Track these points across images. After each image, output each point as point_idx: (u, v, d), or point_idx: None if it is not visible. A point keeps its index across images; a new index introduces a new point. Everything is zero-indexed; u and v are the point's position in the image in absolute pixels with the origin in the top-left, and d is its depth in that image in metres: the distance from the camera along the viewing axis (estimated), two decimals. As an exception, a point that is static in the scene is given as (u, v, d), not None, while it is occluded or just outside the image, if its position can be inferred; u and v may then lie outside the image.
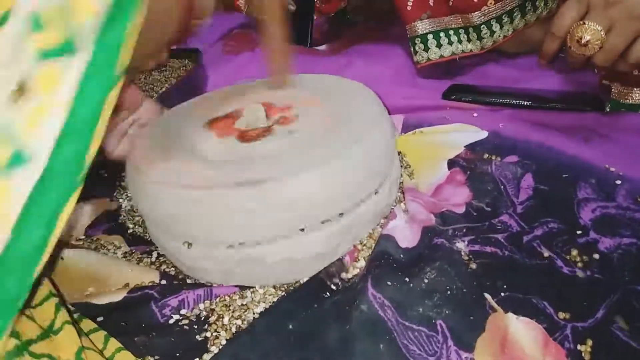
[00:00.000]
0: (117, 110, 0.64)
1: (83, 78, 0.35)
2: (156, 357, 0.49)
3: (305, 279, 0.56)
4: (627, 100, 0.79)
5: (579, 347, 0.46)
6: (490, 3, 0.93)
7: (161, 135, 0.63)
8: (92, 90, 0.36)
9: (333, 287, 0.54)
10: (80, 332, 0.49)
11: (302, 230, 0.54)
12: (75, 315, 0.53)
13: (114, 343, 0.50)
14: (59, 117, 0.35)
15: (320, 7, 1.27)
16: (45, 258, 0.37)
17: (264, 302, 0.54)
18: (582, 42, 0.63)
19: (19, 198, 0.34)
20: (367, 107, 0.63)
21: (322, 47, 1.16)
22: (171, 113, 0.70)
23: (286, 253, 0.54)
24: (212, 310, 0.54)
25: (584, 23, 0.63)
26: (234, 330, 0.52)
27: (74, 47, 0.34)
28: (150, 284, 0.58)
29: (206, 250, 0.55)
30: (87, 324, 0.52)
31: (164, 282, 0.59)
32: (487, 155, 0.69)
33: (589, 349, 0.46)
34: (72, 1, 0.34)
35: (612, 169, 0.63)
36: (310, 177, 0.52)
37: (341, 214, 0.55)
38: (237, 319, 0.53)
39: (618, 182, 0.61)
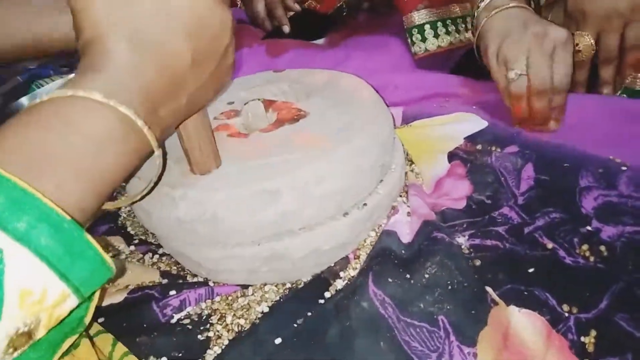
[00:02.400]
0: None
1: None
2: (158, 358, 0.49)
3: (309, 278, 0.56)
4: (635, 87, 0.79)
5: (582, 338, 0.46)
6: None
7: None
8: None
9: (336, 285, 0.54)
10: (94, 346, 0.49)
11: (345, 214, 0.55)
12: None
13: (120, 347, 0.49)
14: None
15: (315, 6, 1.26)
16: None
17: (266, 302, 0.54)
18: (576, 48, 0.77)
19: None
20: (364, 98, 0.63)
21: (321, 41, 1.15)
22: None
23: (312, 246, 0.54)
24: (215, 309, 0.54)
25: (573, 33, 0.78)
26: (236, 329, 0.52)
27: None
28: (150, 284, 0.58)
29: (231, 251, 0.54)
30: (94, 327, 0.52)
31: (164, 281, 0.58)
32: (487, 146, 0.68)
33: (592, 340, 0.46)
34: None
35: (616, 159, 0.62)
36: (337, 165, 0.53)
37: (365, 204, 0.56)
38: (240, 318, 0.53)
39: (624, 168, 0.61)
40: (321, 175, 0.52)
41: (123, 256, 0.63)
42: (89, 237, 0.35)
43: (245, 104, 0.64)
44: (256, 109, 0.63)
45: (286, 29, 1.12)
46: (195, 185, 0.52)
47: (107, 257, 0.36)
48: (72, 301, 0.35)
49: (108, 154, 0.38)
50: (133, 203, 0.50)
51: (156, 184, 0.48)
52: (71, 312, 0.36)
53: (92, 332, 0.51)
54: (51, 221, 0.33)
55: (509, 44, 0.69)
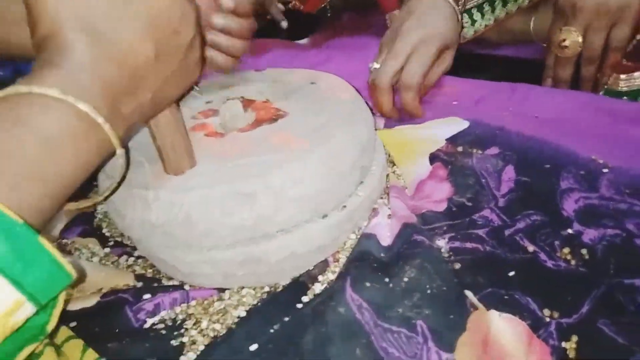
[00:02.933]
0: None
1: None
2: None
3: (288, 281, 0.55)
4: (617, 88, 0.80)
5: (563, 344, 0.45)
6: None
7: (136, 140, 0.60)
8: None
9: (315, 289, 0.53)
10: (59, 353, 0.47)
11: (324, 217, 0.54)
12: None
13: (91, 353, 0.48)
14: None
15: (300, 7, 1.26)
16: None
17: (243, 305, 0.53)
18: (562, 44, 0.80)
19: None
20: (345, 98, 0.62)
21: (304, 41, 1.14)
22: None
23: (289, 249, 0.53)
24: (190, 314, 0.53)
25: (561, 29, 0.80)
26: (212, 335, 0.50)
27: None
28: (124, 288, 0.56)
29: (207, 254, 0.53)
30: (64, 332, 0.50)
31: (139, 285, 0.57)
32: (468, 148, 0.67)
33: (574, 346, 0.45)
34: None
35: (599, 160, 0.62)
36: (314, 166, 0.52)
37: (344, 206, 0.55)
38: (216, 322, 0.51)
39: (605, 170, 0.60)
40: (298, 177, 0.51)
41: (97, 259, 0.62)
42: (43, 241, 0.34)
43: (223, 104, 0.63)
44: (234, 108, 0.62)
45: (284, 24, 1.11)
46: (168, 186, 0.51)
47: (64, 262, 0.35)
48: (28, 309, 0.34)
49: (66, 153, 0.37)
50: (96, 204, 0.48)
51: (120, 184, 0.47)
52: (29, 319, 0.35)
53: (61, 337, 0.49)
54: (1, 225, 0.32)
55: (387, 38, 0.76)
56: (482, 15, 0.95)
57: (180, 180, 0.51)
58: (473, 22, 0.95)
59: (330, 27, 1.18)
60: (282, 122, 0.59)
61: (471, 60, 0.97)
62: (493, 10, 0.95)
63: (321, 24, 1.20)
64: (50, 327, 0.38)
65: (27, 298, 0.33)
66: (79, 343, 0.49)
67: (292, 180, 0.51)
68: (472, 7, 0.93)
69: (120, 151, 0.41)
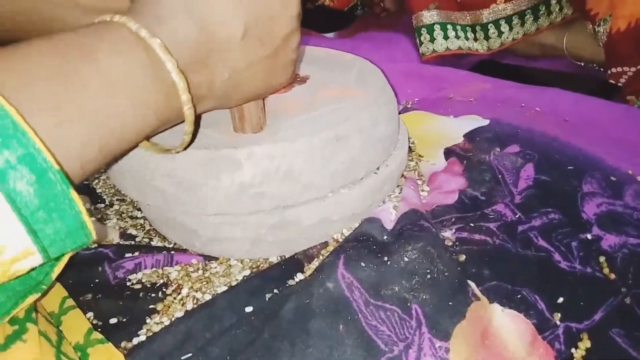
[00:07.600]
0: None
1: None
2: (100, 320, 0.45)
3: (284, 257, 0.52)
4: None
5: (571, 350, 0.41)
6: (500, 1, 0.89)
7: None
8: None
9: (311, 267, 0.49)
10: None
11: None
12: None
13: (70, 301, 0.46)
14: None
15: (329, 4, 1.25)
16: None
17: (228, 277, 0.49)
18: None
19: None
20: (369, 72, 0.60)
21: (330, 35, 1.12)
22: None
23: (322, 214, 0.50)
24: (171, 279, 0.49)
25: None
26: (190, 302, 0.47)
27: None
28: (106, 243, 0.53)
29: (238, 217, 0.49)
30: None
31: (122, 242, 0.54)
32: (486, 144, 0.63)
33: (582, 353, 0.41)
34: None
35: (637, 177, 0.58)
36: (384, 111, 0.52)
37: (378, 168, 0.54)
38: (197, 291, 0.48)
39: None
40: (376, 121, 0.51)
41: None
42: (74, 194, 0.30)
43: None
44: None
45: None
46: (257, 141, 0.47)
47: (89, 221, 0.31)
48: (35, 260, 0.29)
49: (125, 96, 0.34)
50: (166, 152, 0.44)
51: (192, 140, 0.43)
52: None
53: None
54: (35, 165, 0.28)
55: None
56: (511, 28, 0.92)
57: (269, 134, 0.48)
58: (500, 34, 0.92)
59: (357, 24, 1.17)
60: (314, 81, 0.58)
61: (501, 69, 0.93)
62: (523, 24, 0.92)
63: (348, 22, 1.18)
64: (53, 276, 0.34)
65: (38, 249, 0.29)
66: (59, 289, 0.46)
67: (371, 123, 0.51)
68: (499, 18, 0.90)
69: (186, 96, 0.37)
